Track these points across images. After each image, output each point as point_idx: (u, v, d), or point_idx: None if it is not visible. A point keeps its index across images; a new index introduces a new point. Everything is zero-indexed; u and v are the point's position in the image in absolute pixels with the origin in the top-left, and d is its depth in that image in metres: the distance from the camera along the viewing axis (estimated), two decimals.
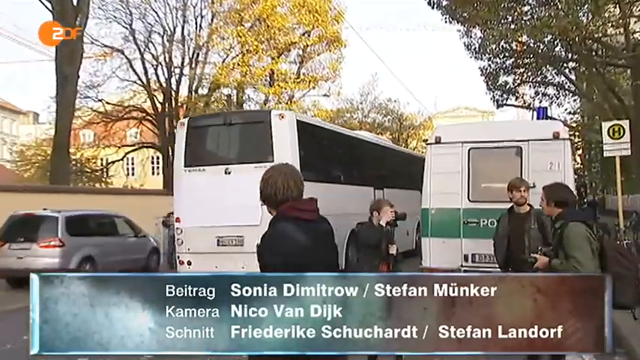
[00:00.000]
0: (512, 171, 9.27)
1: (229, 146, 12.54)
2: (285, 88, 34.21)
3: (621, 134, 12.55)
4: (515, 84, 33.32)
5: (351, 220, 8.35)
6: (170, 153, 34.51)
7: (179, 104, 35.30)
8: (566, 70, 31.80)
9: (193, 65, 35.18)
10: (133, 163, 46.80)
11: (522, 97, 34.55)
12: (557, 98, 33.94)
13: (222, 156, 12.35)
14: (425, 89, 65.91)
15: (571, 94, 34.02)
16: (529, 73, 32.65)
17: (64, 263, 13.82)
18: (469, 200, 9.39)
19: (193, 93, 35.26)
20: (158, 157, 44.25)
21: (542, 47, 28.89)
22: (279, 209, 2.97)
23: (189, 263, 11.93)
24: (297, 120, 12.21)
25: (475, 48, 31.64)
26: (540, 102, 34.17)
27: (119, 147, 37.60)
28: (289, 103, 34.63)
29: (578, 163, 40.14)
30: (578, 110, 35.94)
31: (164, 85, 35.28)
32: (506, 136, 9.28)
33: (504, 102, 34.15)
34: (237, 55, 33.78)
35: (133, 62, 34.92)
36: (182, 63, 35.29)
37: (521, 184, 6.40)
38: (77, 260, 14.05)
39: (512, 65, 31.99)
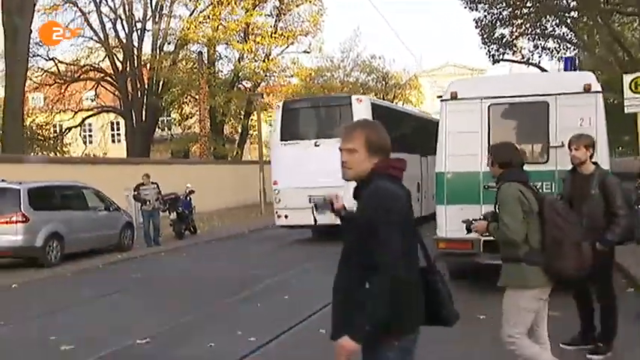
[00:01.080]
0: (538, 129, 9.14)
1: (318, 124, 16.94)
2: (262, 44, 33.61)
3: None
4: (513, 37, 33.18)
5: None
6: (134, 118, 33.87)
7: (142, 63, 34.47)
8: (568, 21, 31.68)
9: (157, 19, 34.31)
10: (90, 130, 45.72)
11: (520, 52, 34.45)
12: (558, 52, 33.91)
13: (312, 132, 16.61)
14: (411, 45, 65.50)
15: (573, 47, 33.96)
16: (527, 25, 32.52)
17: (28, 240, 13.41)
18: None
19: (158, 50, 34.47)
20: (118, 123, 43.38)
21: None
22: (381, 165, 2.99)
23: (286, 217, 16.66)
24: (371, 102, 16.81)
25: None
26: (540, 56, 34.16)
27: (76, 112, 36.75)
28: (266, 60, 34.10)
29: None
30: (582, 65, 35.98)
31: (124, 41, 34.38)
32: (530, 90, 9.04)
33: (501, 57, 34.07)
34: (207, 7, 33.00)
35: (89, 16, 33.96)
36: (144, 16, 34.41)
37: (576, 140, 6.07)
38: (43, 237, 13.62)
39: (509, 16, 31.84)
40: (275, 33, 34.07)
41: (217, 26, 31.97)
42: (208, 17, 32.36)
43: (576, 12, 31.16)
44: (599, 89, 8.77)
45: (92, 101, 40.56)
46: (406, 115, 19.04)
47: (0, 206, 13.47)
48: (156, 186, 16.88)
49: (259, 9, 34.08)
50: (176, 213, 18.47)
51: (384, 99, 43.83)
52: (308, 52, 36.47)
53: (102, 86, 36.46)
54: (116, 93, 36.17)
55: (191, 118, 36.73)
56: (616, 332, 6.11)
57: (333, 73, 43.71)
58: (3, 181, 13.91)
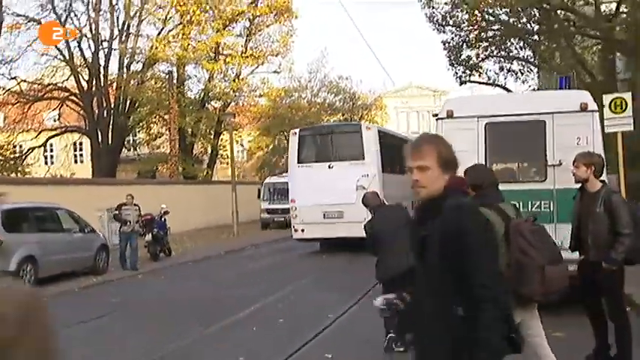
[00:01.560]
0: (535, 148, 9.15)
1: (330, 149, 18.43)
2: (232, 64, 33.40)
3: (624, 108, 12.63)
4: (479, 59, 33.76)
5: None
6: (100, 137, 33.19)
7: (109, 82, 33.85)
8: (531, 43, 32.36)
9: (124, 38, 33.81)
10: (52, 150, 44.60)
11: (486, 73, 35.03)
12: (522, 74, 34.61)
13: (326, 155, 18.23)
14: (377, 65, 66.80)
15: (537, 69, 34.70)
16: (493, 47, 33.16)
17: (1, 265, 12.83)
18: None
19: (125, 69, 33.92)
20: (81, 143, 42.43)
21: (509, 17, 29.39)
22: (455, 182, 2.84)
23: (302, 230, 18.07)
24: (378, 130, 19.26)
25: (438, 19, 31.96)
26: (505, 78, 34.78)
27: (39, 132, 35.82)
28: (236, 80, 33.88)
29: None
30: (542, 86, 36.73)
31: (90, 60, 33.74)
32: (527, 109, 9.04)
33: (467, 78, 34.60)
34: (176, 26, 32.65)
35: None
36: (111, 36, 33.84)
37: (578, 159, 6.09)
38: (17, 261, 13.06)
39: (475, 38, 32.41)
40: (245, 53, 33.90)
41: (187, 45, 31.65)
42: (178, 36, 32.01)
43: (538, 35, 31.90)
44: (596, 108, 8.83)
45: (55, 121, 39.65)
46: (404, 140, 20.42)
47: None
48: (137, 208, 16.40)
49: (229, 29, 33.92)
50: (151, 234, 18.05)
51: (351, 119, 44.17)
52: (278, 72, 36.47)
53: (67, 105, 35.62)
54: (81, 112, 35.37)
55: (159, 137, 36.16)
56: (631, 351, 6.06)
57: (301, 94, 43.90)
58: None
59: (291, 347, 7.66)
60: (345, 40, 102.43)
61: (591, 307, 6.28)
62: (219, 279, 14.90)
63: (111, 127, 33.75)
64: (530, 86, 34.82)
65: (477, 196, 4.70)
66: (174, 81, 31.94)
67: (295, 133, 18.93)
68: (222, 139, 37.02)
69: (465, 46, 32.88)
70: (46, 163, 46.43)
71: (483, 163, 8.99)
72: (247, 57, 33.79)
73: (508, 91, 34.54)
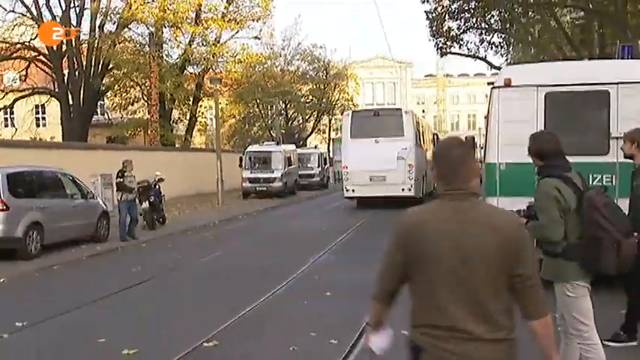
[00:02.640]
0: (598, 119, 8.99)
1: (377, 127, 22.20)
2: (212, 28, 32.39)
3: None
4: (460, 30, 33.61)
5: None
6: (70, 100, 31.88)
7: (81, 42, 32.40)
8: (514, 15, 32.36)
9: None
10: (12, 113, 42.64)
11: (466, 45, 34.93)
12: (502, 47, 34.68)
13: (373, 132, 22.03)
14: (343, 38, 66.26)
15: (516, 42, 34.80)
16: (474, 19, 33.05)
17: (8, 231, 12.19)
18: None
19: (97, 30, 32.49)
20: (44, 106, 40.68)
21: None
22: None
23: (352, 190, 22.41)
24: (413, 114, 23.59)
25: None
26: (486, 50, 34.77)
27: (5, 92, 34.21)
28: (216, 45, 32.91)
29: None
30: (521, 60, 36.88)
31: (59, 19, 32.17)
32: (590, 79, 8.85)
33: (448, 50, 34.45)
34: None
35: None
36: None
37: (625, 134, 6.13)
38: (24, 227, 12.41)
39: (457, 9, 32.22)
40: (226, 16, 32.89)
41: (165, 6, 30.42)
42: None
43: (520, 7, 31.92)
44: None
45: (16, 82, 37.84)
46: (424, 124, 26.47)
47: None
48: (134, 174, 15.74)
49: None
50: (148, 202, 17.40)
51: (324, 88, 43.72)
52: (259, 39, 35.62)
53: (35, 65, 33.99)
54: (50, 73, 33.87)
55: (137, 102, 34.95)
56: None
57: (274, 62, 43.07)
58: None
59: (358, 323, 7.17)
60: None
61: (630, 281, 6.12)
62: (235, 248, 14.46)
63: (83, 89, 32.43)
64: (506, 60, 35.00)
65: (544, 167, 4.61)
66: (155, 43, 30.71)
67: (349, 114, 23.79)
68: (200, 105, 36.06)
69: (447, 16, 32.70)
70: (6, 126, 44.61)
71: None
72: (229, 21, 32.79)
73: (490, 65, 34.69)
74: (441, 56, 34.14)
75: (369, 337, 2.85)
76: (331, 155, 41.97)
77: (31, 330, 7.48)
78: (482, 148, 11.00)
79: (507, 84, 9.18)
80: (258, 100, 42.60)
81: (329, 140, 50.87)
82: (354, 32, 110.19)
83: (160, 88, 29.13)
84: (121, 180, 15.36)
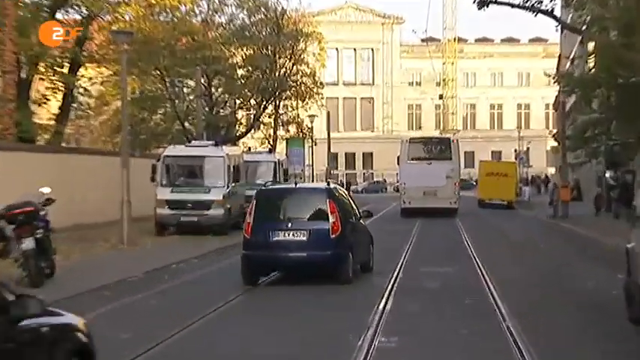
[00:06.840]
0: None
1: (430, 151, 31.12)
2: None
3: None
4: None
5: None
6: None
7: None
8: None
9: None
10: None
11: None
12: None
13: (426, 156, 30.55)
14: None
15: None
16: None
17: None
18: None
19: None
20: None
21: None
22: None
23: (409, 203, 29.23)
24: (458, 141, 32.60)
25: None
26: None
27: None
28: None
29: None
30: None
31: None
32: None
33: None
34: None
35: None
36: None
37: None
38: None
39: None
40: None
41: None
42: None
43: None
44: None
45: None
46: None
47: None
48: None
49: None
50: (35, 240, 10.88)
51: (274, 56, 33.05)
52: None
53: None
54: None
55: None
56: None
57: (193, 7, 30.53)
58: None
59: None
60: None
61: None
62: None
63: None
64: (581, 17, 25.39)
65: None
66: None
67: (406, 141, 31.44)
68: (79, 77, 23.84)
69: None
70: None
71: None
72: None
73: (557, 20, 23.96)
74: (480, 7, 22.02)
75: None
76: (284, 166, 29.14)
77: None
78: None
79: None
80: (163, 72, 29.24)
81: (274, 140, 37.06)
82: None
83: (20, 47, 17.69)
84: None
